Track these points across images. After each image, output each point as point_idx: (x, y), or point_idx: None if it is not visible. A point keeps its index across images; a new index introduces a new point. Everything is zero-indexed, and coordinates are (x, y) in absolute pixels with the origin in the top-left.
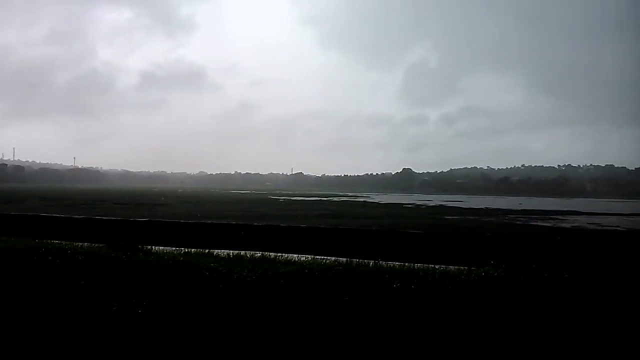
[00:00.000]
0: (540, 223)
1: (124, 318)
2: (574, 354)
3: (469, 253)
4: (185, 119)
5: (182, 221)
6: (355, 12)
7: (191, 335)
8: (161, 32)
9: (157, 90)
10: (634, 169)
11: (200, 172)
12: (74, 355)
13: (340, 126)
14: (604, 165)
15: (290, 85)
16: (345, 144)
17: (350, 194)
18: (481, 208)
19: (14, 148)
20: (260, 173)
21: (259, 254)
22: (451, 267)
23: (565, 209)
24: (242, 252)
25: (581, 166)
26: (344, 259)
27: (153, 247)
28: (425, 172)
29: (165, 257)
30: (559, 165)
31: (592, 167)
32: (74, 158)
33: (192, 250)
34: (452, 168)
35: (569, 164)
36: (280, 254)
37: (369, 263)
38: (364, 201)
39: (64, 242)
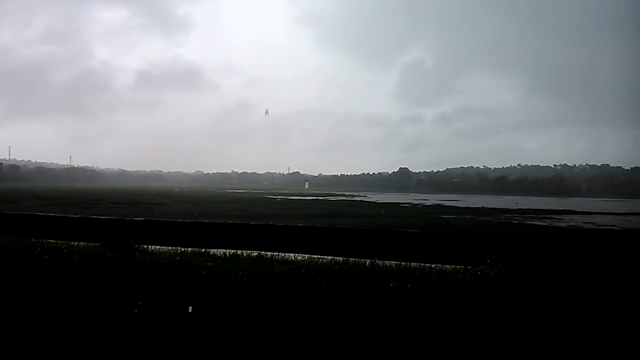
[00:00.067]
0: (536, 222)
1: (120, 318)
2: (569, 352)
3: (465, 252)
4: (181, 118)
5: (178, 220)
6: (352, 11)
7: (188, 335)
8: (158, 32)
9: (154, 89)
10: (629, 168)
11: (197, 171)
12: (70, 354)
13: (336, 126)
14: (599, 164)
15: (287, 84)
16: (342, 144)
17: (347, 193)
18: (477, 207)
19: (9, 147)
20: (257, 172)
21: (255, 253)
22: (447, 266)
23: (561, 209)
24: (239, 252)
25: (577, 166)
26: (341, 258)
27: (149, 246)
28: (421, 171)
29: (162, 257)
30: (555, 165)
31: (588, 166)
32: (70, 157)
33: (189, 249)
34: (449, 167)
35: (565, 164)
36: (276, 254)
37: (365, 262)
38: (361, 200)
39: (60, 242)
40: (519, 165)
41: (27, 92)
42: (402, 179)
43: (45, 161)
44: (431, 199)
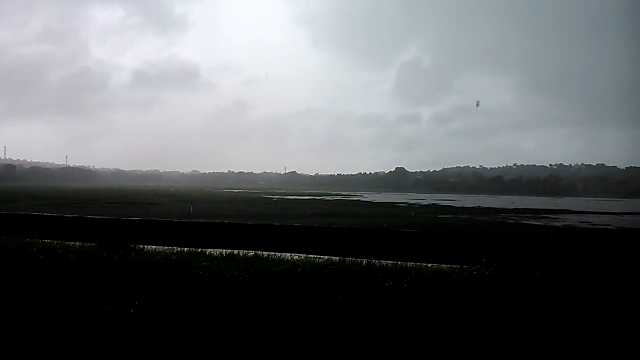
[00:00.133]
0: (532, 222)
1: (116, 317)
2: (565, 351)
3: (461, 252)
4: (178, 117)
5: (174, 220)
6: (349, 11)
7: (184, 335)
8: (154, 31)
9: (150, 88)
10: (624, 168)
11: (193, 171)
12: (66, 354)
13: (333, 125)
14: (595, 164)
15: (284, 84)
16: (339, 143)
17: (343, 192)
18: (473, 207)
19: (4, 147)
20: (254, 172)
21: (252, 253)
22: (443, 265)
23: (557, 208)
24: (235, 251)
25: (573, 165)
26: (337, 258)
27: (145, 246)
28: (418, 171)
29: (158, 257)
30: (550, 165)
31: (583, 166)
32: (66, 157)
33: (185, 249)
34: (445, 167)
35: (561, 163)
36: (273, 253)
37: (361, 262)
38: (357, 200)
39: (55, 242)
40: (515, 165)
41: (23, 92)
42: (399, 178)
43: (40, 161)
44: (427, 198)
